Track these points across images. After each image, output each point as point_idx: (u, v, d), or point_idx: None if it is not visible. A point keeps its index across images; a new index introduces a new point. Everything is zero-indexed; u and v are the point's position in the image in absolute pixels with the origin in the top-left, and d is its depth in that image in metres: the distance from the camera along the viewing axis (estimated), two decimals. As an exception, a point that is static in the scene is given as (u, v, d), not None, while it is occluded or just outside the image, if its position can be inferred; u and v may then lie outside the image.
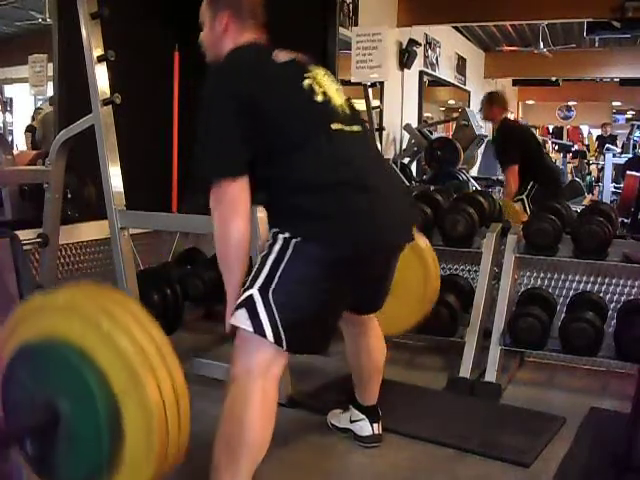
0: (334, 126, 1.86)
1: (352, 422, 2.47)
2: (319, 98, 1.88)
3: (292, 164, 1.81)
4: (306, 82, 1.89)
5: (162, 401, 1.40)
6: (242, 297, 1.79)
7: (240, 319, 1.78)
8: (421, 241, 2.81)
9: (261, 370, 1.79)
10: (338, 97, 1.94)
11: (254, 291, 1.76)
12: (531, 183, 4.60)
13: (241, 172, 1.79)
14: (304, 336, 1.82)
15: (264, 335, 1.74)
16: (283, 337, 1.75)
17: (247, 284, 1.80)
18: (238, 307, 1.78)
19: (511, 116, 12.78)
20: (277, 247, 1.78)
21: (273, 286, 1.75)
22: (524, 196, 4.54)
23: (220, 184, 1.78)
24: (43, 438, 1.45)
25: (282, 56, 1.94)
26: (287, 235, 1.77)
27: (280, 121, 1.83)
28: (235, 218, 1.78)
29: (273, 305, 1.74)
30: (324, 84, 1.92)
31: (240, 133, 1.79)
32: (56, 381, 1.45)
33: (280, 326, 1.74)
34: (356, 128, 1.95)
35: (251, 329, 1.75)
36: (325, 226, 1.77)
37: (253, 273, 1.81)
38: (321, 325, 1.86)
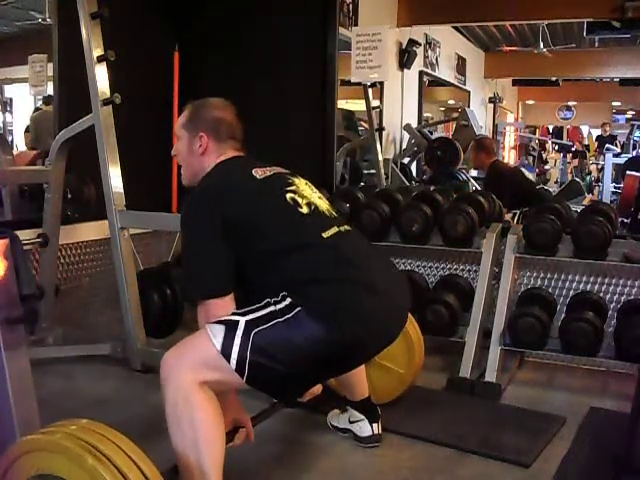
0: (325, 234, 1.89)
1: (351, 423, 2.47)
2: (304, 210, 1.92)
3: (294, 261, 1.83)
4: (288, 196, 1.93)
5: None
6: (229, 317, 1.77)
7: (215, 331, 1.75)
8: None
9: (193, 365, 1.75)
10: (322, 203, 2.00)
11: (242, 320, 1.75)
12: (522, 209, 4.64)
13: (226, 290, 1.84)
14: (268, 382, 1.79)
15: (228, 360, 1.71)
16: (246, 372, 1.72)
17: (240, 311, 1.79)
18: (220, 322, 1.77)
19: (511, 117, 12.86)
20: (282, 304, 1.77)
21: (260, 329, 1.73)
22: (517, 210, 4.57)
23: (207, 302, 1.84)
24: None
25: (262, 172, 1.99)
26: (293, 302, 1.76)
27: (267, 238, 1.85)
28: None
29: (250, 343, 1.71)
30: (306, 194, 1.97)
31: (225, 254, 1.84)
32: None
33: (247, 363, 1.71)
34: (347, 227, 1.99)
35: (218, 347, 1.72)
36: (328, 311, 1.75)
37: (250, 307, 1.79)
38: (288, 386, 1.85)
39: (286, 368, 1.73)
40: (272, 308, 1.77)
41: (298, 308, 1.74)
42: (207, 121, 2.08)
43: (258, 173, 1.98)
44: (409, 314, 2.64)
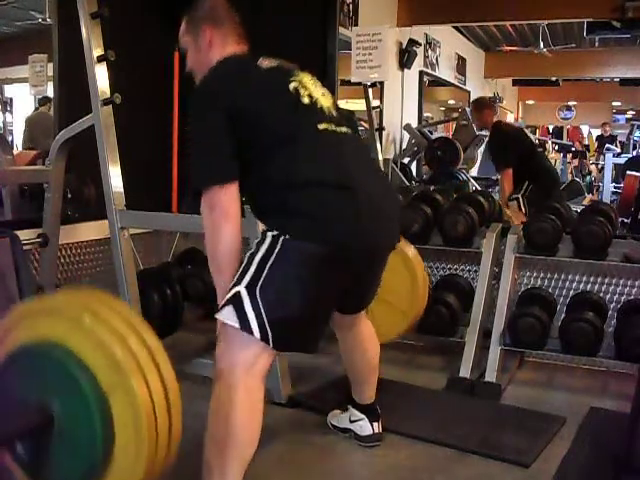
0: (321, 126, 1.89)
1: (352, 422, 2.47)
2: (305, 100, 1.92)
3: (277, 161, 1.83)
4: (292, 85, 1.93)
5: (150, 398, 1.39)
6: (229, 294, 1.79)
7: (227, 315, 1.77)
8: (409, 250, 2.79)
9: (245, 367, 1.78)
10: (325, 100, 1.98)
11: (241, 288, 1.77)
12: (526, 183, 4.61)
13: (231, 179, 1.83)
14: (292, 334, 1.82)
15: (251, 332, 1.74)
16: (270, 334, 1.75)
17: (234, 281, 1.80)
18: (225, 304, 1.79)
19: (511, 116, 12.86)
20: (265, 245, 1.79)
21: (260, 283, 1.75)
22: (519, 195, 4.55)
23: (211, 191, 1.82)
24: (36, 441, 1.44)
25: (267, 62, 2.00)
26: (275, 233, 1.79)
27: (266, 121, 1.86)
28: (226, 223, 1.81)
29: (260, 302, 1.74)
30: (310, 87, 1.97)
31: (230, 141, 1.83)
32: (47, 382, 1.44)
33: (267, 323, 1.74)
34: (344, 129, 1.97)
35: (238, 325, 1.75)
36: (311, 225, 1.78)
37: (240, 270, 1.81)
38: (309, 323, 1.86)
39: (300, 306, 1.76)
40: (259, 256, 1.78)
41: (281, 238, 1.77)
42: (204, 15, 2.11)
43: (263, 63, 1.99)
44: (415, 261, 2.65)
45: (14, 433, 1.47)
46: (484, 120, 4.99)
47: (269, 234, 1.80)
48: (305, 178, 1.80)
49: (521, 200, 4.51)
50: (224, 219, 1.81)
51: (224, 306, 1.79)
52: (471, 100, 5.07)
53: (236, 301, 1.76)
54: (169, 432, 1.43)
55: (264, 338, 1.75)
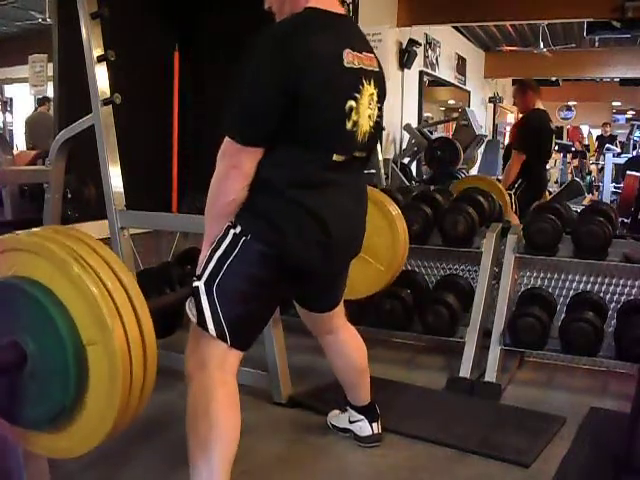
0: (336, 157, 1.82)
1: (351, 423, 2.47)
2: (348, 126, 1.81)
3: (282, 160, 1.77)
4: (349, 103, 1.80)
5: (129, 355, 1.39)
6: (193, 284, 1.80)
7: (189, 307, 1.80)
8: (392, 207, 2.75)
9: (217, 362, 1.78)
10: (366, 123, 1.86)
11: (200, 283, 1.78)
12: (520, 180, 4.61)
13: (260, 143, 1.74)
14: (248, 332, 1.83)
15: (206, 329, 1.75)
16: (227, 332, 1.75)
17: (196, 275, 1.81)
18: (190, 295, 1.80)
19: (511, 117, 12.86)
20: (226, 242, 1.78)
21: (217, 280, 1.76)
22: (512, 192, 4.54)
23: (234, 143, 1.73)
24: (9, 378, 1.43)
25: (351, 58, 1.79)
26: (237, 230, 1.78)
27: (305, 125, 1.74)
28: (235, 176, 1.75)
29: (216, 299, 1.75)
30: (361, 111, 1.83)
31: (273, 110, 1.71)
32: (22, 320, 1.42)
33: (223, 321, 1.74)
34: (360, 154, 1.90)
35: (195, 320, 1.77)
36: (278, 233, 1.76)
37: (202, 265, 1.81)
38: (260, 322, 1.89)
39: (255, 305, 1.78)
40: (219, 252, 1.78)
41: (242, 239, 1.76)
42: None
43: (348, 58, 1.78)
44: (397, 220, 2.62)
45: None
46: (527, 102, 4.76)
47: (231, 231, 1.79)
48: (293, 194, 1.77)
49: (513, 197, 4.51)
50: (235, 171, 1.74)
51: (190, 298, 1.80)
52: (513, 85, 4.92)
53: (195, 296, 1.78)
54: (142, 385, 1.43)
55: (220, 336, 1.75)
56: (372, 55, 1.91)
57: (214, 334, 1.75)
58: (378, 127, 1.94)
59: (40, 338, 1.40)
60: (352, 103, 1.80)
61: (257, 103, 1.73)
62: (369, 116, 1.87)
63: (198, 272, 1.81)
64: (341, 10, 1.89)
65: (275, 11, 1.92)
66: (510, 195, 4.47)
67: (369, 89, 1.86)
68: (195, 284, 1.79)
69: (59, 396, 1.40)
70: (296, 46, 1.70)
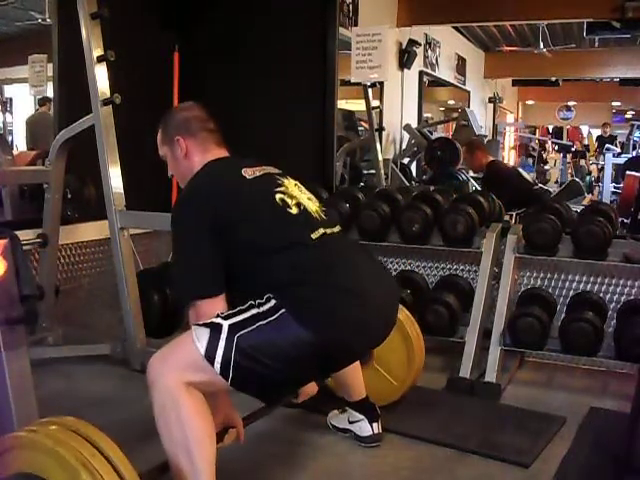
0: (313, 235, 1.88)
1: (351, 423, 2.47)
2: (293, 211, 1.90)
3: (280, 262, 1.81)
4: (278, 197, 1.91)
5: None
6: (213, 319, 1.76)
7: (200, 334, 1.73)
8: (411, 328, 2.71)
9: (178, 367, 1.74)
10: (312, 204, 1.98)
11: (225, 323, 1.73)
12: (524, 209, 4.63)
13: (215, 291, 1.84)
14: (253, 385, 1.78)
15: (212, 363, 1.70)
16: (230, 374, 1.70)
17: (224, 313, 1.77)
18: (206, 324, 1.75)
19: (511, 117, 12.86)
20: (266, 307, 1.75)
21: (243, 332, 1.71)
22: (515, 211, 4.56)
23: (197, 303, 1.83)
24: None
25: (251, 172, 1.97)
26: (277, 303, 1.74)
27: (256, 238, 1.84)
28: (212, 314, 1.78)
29: (234, 346, 1.70)
30: (295, 195, 1.96)
31: (213, 254, 1.83)
32: None
33: (231, 366, 1.70)
34: (336, 229, 1.98)
35: (202, 351, 1.70)
36: (318, 317, 1.74)
37: (233, 310, 1.78)
38: (274, 388, 1.84)
39: (270, 371, 1.72)
40: (255, 311, 1.75)
41: (282, 310, 1.73)
42: (176, 125, 2.11)
43: (247, 173, 1.97)
44: (416, 326, 2.65)
45: None
46: (477, 162, 5.02)
47: (273, 300, 1.75)
48: (305, 279, 1.79)
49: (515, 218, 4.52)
50: (210, 313, 1.79)
51: (203, 325, 1.75)
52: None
53: (215, 330, 1.72)
54: None
55: (223, 374, 1.71)
56: (271, 166, 2.07)
57: (218, 371, 1.70)
58: (327, 211, 2.04)
59: None
60: (280, 195, 1.92)
61: (197, 257, 1.86)
62: (309, 199, 2.00)
63: (228, 312, 1.78)
64: (224, 150, 2.11)
65: (178, 179, 2.16)
66: (511, 215, 4.50)
67: (290, 180, 2.01)
68: (219, 321, 1.74)
69: None
70: (203, 194, 1.91)
